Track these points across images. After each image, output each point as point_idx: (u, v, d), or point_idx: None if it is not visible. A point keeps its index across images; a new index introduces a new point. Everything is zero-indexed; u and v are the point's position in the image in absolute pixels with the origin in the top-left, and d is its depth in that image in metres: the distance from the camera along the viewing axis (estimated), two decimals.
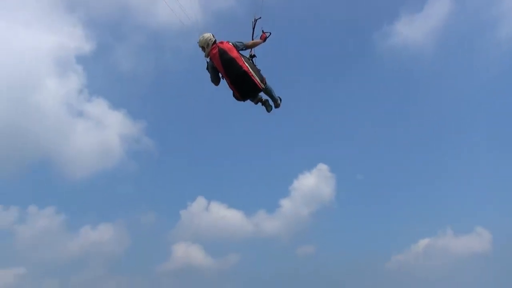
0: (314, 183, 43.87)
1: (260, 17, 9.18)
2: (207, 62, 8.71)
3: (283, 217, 43.43)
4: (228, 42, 8.45)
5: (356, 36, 54.68)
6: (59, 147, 42.88)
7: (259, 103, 9.30)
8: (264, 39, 8.91)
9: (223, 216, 42.21)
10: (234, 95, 8.71)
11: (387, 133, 52.05)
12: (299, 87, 55.07)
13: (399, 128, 53.04)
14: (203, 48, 8.56)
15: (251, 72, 8.20)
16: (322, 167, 44.02)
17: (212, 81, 8.86)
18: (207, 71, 8.89)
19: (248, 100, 9.07)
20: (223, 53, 8.20)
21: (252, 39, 9.08)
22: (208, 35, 8.50)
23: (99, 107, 44.87)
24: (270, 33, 8.99)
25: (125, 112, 45.42)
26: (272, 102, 9.29)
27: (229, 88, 8.68)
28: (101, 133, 46.08)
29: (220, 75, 8.62)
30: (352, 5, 56.08)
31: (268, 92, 8.90)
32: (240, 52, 8.53)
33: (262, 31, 9.00)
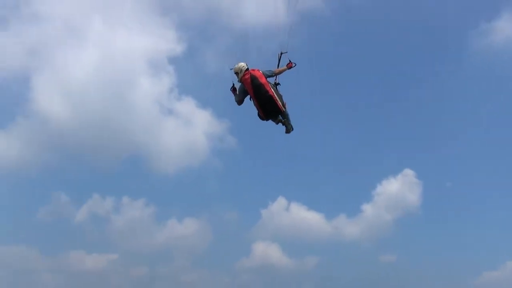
0: (398, 189, 43.64)
1: (286, 52, 10.50)
2: (233, 84, 10.35)
3: (365, 222, 43.81)
4: (258, 70, 9.86)
5: (447, 34, 53.89)
6: (151, 143, 47.20)
7: (280, 123, 10.64)
8: (289, 67, 10.36)
9: (303, 217, 43.70)
10: (258, 114, 10.22)
11: (480, 139, 50.01)
12: (386, 88, 53.98)
13: (495, 134, 50.47)
14: (236, 73, 10.03)
15: (275, 97, 9.65)
16: (408, 172, 43.74)
17: (236, 101, 10.35)
18: (230, 91, 10.54)
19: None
20: (254, 79, 9.57)
21: (278, 67, 10.49)
22: (242, 64, 9.97)
23: (187, 106, 49.17)
24: (296, 64, 10.42)
25: (211, 111, 48.96)
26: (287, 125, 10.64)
27: (255, 108, 10.18)
28: (189, 131, 49.86)
29: (249, 97, 10.09)
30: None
31: (286, 116, 10.26)
32: (268, 79, 9.94)
33: (289, 60, 10.37)
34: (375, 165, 49.45)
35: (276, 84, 10.33)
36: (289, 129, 10.49)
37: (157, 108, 46.83)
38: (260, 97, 9.64)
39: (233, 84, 10.44)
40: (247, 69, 9.89)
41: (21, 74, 47.06)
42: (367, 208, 43.74)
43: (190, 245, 43.45)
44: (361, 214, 43.75)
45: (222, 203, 46.81)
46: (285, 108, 10.01)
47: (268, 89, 9.64)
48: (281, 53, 10.48)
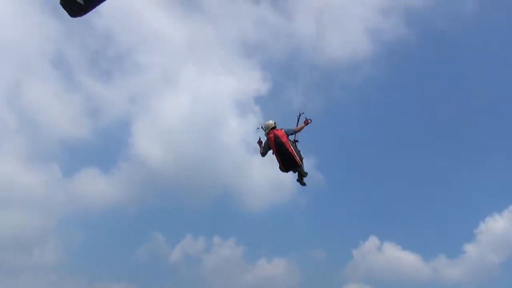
0: (505, 226, 40.23)
1: (304, 112, 11.91)
2: (259, 138, 11.95)
3: (467, 264, 40.36)
4: (281, 129, 11.35)
5: None
6: (239, 182, 47.67)
7: (297, 177, 12.15)
8: (306, 123, 11.81)
9: (398, 257, 41.15)
10: (279, 167, 11.66)
11: None
12: (484, 120, 50.83)
13: None
14: (264, 130, 11.69)
15: (294, 154, 11.10)
16: None
17: (261, 152, 11.87)
18: (257, 143, 12.16)
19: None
20: (277, 138, 11.18)
21: (297, 125, 11.84)
22: (271, 122, 11.63)
23: None
24: (311, 120, 11.82)
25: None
26: (305, 176, 12.07)
27: (277, 161, 11.74)
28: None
29: (271, 151, 11.61)
30: None
31: (302, 168, 11.64)
32: (289, 137, 11.36)
33: (305, 118, 11.76)
34: (478, 200, 45.42)
35: (295, 141, 11.66)
36: (302, 177, 11.90)
37: (244, 147, 46.81)
38: (282, 154, 11.02)
39: (260, 138, 12.08)
40: (274, 127, 11.36)
41: (123, 121, 50.35)
42: (470, 249, 40.43)
43: (279, 286, 43.38)
44: (463, 255, 40.45)
45: (311, 242, 45.00)
46: (302, 162, 11.42)
47: (288, 147, 11.02)
48: (300, 114, 11.85)
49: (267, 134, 11.48)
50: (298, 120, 12.13)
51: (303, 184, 12.20)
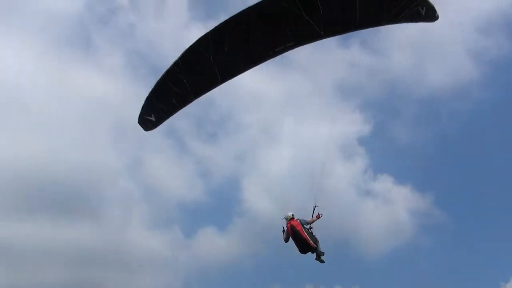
0: None
1: (318, 206, 13.50)
2: (283, 227, 13.57)
3: None
4: (297, 220, 13.14)
5: None
6: (352, 227, 45.96)
7: (315, 257, 13.63)
8: (318, 217, 13.57)
9: None
10: (299, 250, 13.45)
11: None
12: None
13: None
14: (286, 220, 13.52)
15: (307, 239, 12.82)
16: None
17: (284, 239, 13.62)
18: (282, 232, 13.82)
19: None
20: (293, 227, 12.97)
21: (312, 217, 13.52)
22: (289, 214, 13.44)
23: (384, 184, 49.69)
24: (322, 215, 13.49)
25: (410, 186, 48.31)
26: (322, 255, 13.58)
27: (295, 246, 13.54)
28: (390, 209, 48.81)
29: (290, 238, 13.39)
30: None
31: (318, 249, 13.15)
32: (304, 225, 13.13)
33: (318, 212, 13.41)
34: None
35: (310, 229, 13.16)
36: (319, 256, 13.31)
37: (354, 190, 47.55)
38: (297, 239, 12.64)
39: (283, 227, 13.58)
40: (292, 218, 13.04)
41: (232, 178, 52.43)
42: None
43: None
44: None
45: (439, 285, 42.74)
46: (316, 245, 12.92)
47: (302, 234, 12.62)
48: (315, 206, 13.39)
49: (286, 223, 13.37)
50: (313, 212, 13.80)
51: (322, 262, 13.66)
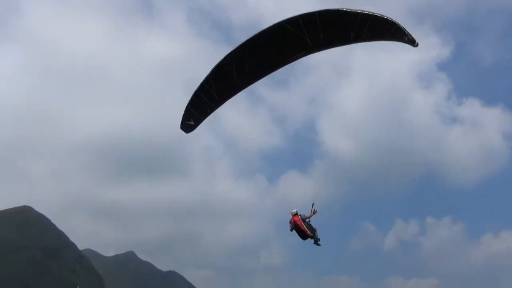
0: None
1: (314, 203, 16.12)
2: (289, 220, 15.99)
3: None
4: (299, 216, 15.88)
5: None
6: (438, 157, 43.25)
7: (314, 242, 16.56)
8: (314, 213, 16.24)
9: None
10: (299, 237, 15.85)
11: None
12: None
13: None
14: (291, 214, 16.17)
15: (306, 230, 15.55)
16: None
17: (290, 229, 16.06)
18: (289, 223, 16.22)
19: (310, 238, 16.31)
20: (295, 222, 15.64)
21: (310, 213, 16.32)
22: (294, 211, 16.09)
23: (471, 108, 44.05)
24: (317, 211, 16.08)
25: (502, 106, 42.04)
26: (318, 241, 16.35)
27: (297, 234, 16.27)
28: (480, 134, 45.02)
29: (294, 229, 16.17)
30: None
31: (315, 237, 15.84)
32: (304, 220, 15.81)
33: (314, 209, 15.91)
34: None
35: (309, 222, 16.10)
36: (316, 241, 16.31)
37: (438, 119, 44.55)
38: (298, 231, 15.61)
39: (289, 220, 16.30)
40: (296, 214, 16.00)
41: (308, 122, 49.97)
42: None
43: None
44: None
45: None
46: (313, 233, 15.95)
47: (301, 227, 15.75)
48: (313, 204, 16.12)
49: (291, 218, 16.55)
50: (312, 208, 16.72)
51: (318, 245, 16.76)
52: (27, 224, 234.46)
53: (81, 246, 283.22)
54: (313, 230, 16.11)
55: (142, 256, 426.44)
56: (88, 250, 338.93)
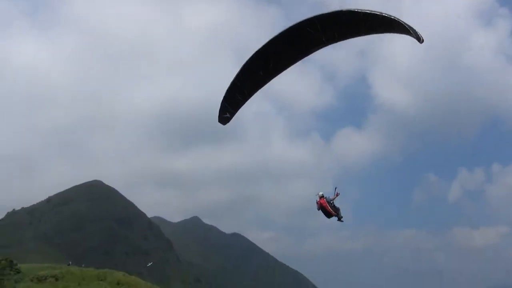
0: None
1: (337, 187, 17.76)
2: (316, 201, 17.35)
3: None
4: (324, 199, 17.22)
5: None
6: (504, 100, 41.47)
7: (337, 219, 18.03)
8: (337, 195, 17.62)
9: None
10: (325, 215, 17.60)
11: None
12: None
13: None
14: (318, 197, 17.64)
15: (330, 210, 17.16)
16: None
17: (317, 208, 17.54)
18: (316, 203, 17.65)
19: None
20: (321, 204, 17.12)
21: (334, 195, 17.59)
22: (320, 194, 17.44)
23: None
24: (339, 193, 17.65)
25: None
26: (341, 218, 18.10)
27: (322, 214, 17.55)
28: None
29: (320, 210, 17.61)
30: None
31: (338, 215, 17.61)
32: (328, 201, 17.25)
33: (337, 192, 17.48)
34: None
35: (333, 203, 17.55)
36: (339, 218, 17.88)
37: (502, 59, 43.61)
38: (323, 211, 17.31)
39: (316, 201, 17.70)
40: (322, 196, 17.45)
41: (360, 76, 52.78)
42: None
43: None
44: None
45: None
46: (336, 212, 17.58)
47: (327, 208, 17.37)
48: (335, 188, 17.62)
49: (318, 200, 18.34)
50: (335, 190, 18.40)
51: (341, 221, 18.64)
52: (99, 197, 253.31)
53: (149, 214, 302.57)
54: (336, 210, 17.98)
55: (207, 221, 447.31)
56: (156, 217, 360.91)
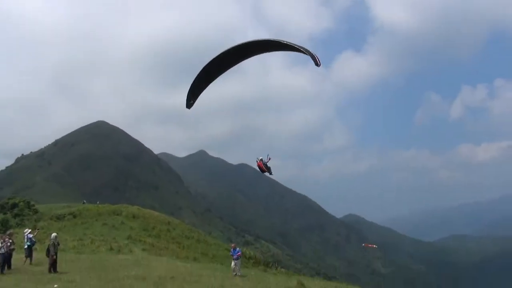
0: None
1: (269, 154, 18.41)
2: (256, 161, 17.66)
3: None
4: (261, 161, 17.63)
5: None
6: (508, 12, 38.07)
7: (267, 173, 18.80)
8: (269, 159, 18.16)
9: None
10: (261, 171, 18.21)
11: None
12: None
13: None
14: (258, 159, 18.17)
15: (264, 169, 17.44)
16: None
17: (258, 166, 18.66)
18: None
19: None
20: (259, 165, 17.37)
21: (267, 159, 17.88)
22: (261, 157, 17.77)
23: None
24: (271, 158, 18.12)
25: None
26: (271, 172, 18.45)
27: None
28: None
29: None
30: None
31: (269, 171, 17.81)
32: (264, 163, 17.49)
33: (269, 157, 17.82)
34: None
35: (267, 164, 18.38)
36: (270, 173, 18.45)
37: None
38: (260, 169, 17.62)
39: (256, 161, 18.49)
40: (261, 159, 18.14)
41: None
42: None
43: None
44: None
45: None
46: (268, 170, 18.38)
47: (262, 167, 18.30)
48: (268, 154, 18.61)
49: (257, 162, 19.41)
50: (267, 156, 19.32)
51: (270, 173, 19.60)
52: (104, 136, 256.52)
53: (156, 151, 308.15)
54: (268, 168, 19.84)
55: (213, 153, 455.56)
56: (163, 153, 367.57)
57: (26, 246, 24.07)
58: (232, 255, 26.30)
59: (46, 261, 22.30)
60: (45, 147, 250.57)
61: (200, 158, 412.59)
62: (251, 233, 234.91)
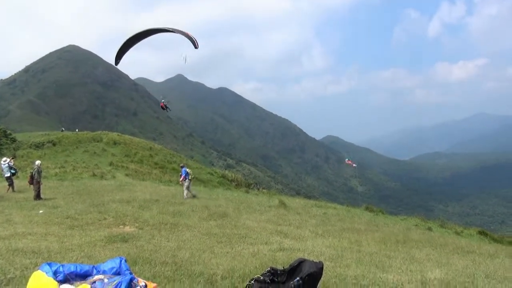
0: None
1: (168, 102, 23.78)
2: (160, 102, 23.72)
3: None
4: (162, 102, 23.02)
5: None
6: None
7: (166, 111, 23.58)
8: (168, 102, 23.44)
9: None
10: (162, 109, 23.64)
11: None
12: None
13: None
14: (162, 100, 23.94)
15: (164, 106, 22.82)
16: None
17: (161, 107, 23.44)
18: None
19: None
20: (161, 106, 22.97)
21: (166, 102, 23.29)
22: (164, 101, 23.30)
23: None
24: (170, 101, 24.09)
25: None
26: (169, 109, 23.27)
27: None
28: None
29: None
30: None
31: (168, 109, 23.04)
32: (164, 104, 22.99)
33: (168, 101, 23.28)
34: None
35: (167, 106, 22.80)
36: (167, 110, 23.17)
37: None
38: (162, 108, 22.42)
39: (160, 102, 23.87)
40: (162, 101, 23.03)
41: None
42: None
43: None
44: None
45: None
46: (166, 108, 23.04)
47: (163, 106, 22.86)
48: (168, 101, 23.59)
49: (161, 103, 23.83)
50: (167, 105, 23.22)
51: (169, 109, 23.17)
52: (79, 61, 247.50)
53: (133, 76, 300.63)
54: (167, 107, 23.11)
55: (191, 77, 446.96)
56: (140, 78, 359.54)
57: (9, 174, 23.93)
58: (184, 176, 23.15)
59: (29, 189, 22.32)
60: (15, 74, 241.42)
61: (178, 83, 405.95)
62: (233, 156, 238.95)
